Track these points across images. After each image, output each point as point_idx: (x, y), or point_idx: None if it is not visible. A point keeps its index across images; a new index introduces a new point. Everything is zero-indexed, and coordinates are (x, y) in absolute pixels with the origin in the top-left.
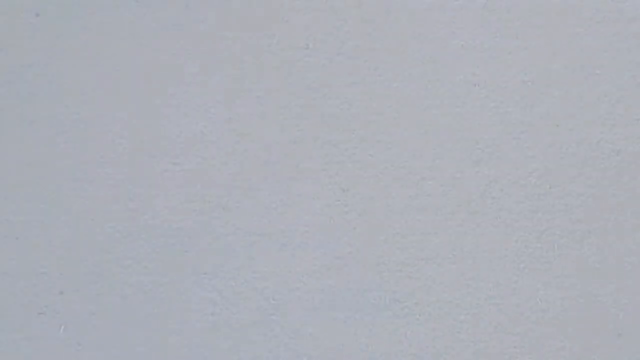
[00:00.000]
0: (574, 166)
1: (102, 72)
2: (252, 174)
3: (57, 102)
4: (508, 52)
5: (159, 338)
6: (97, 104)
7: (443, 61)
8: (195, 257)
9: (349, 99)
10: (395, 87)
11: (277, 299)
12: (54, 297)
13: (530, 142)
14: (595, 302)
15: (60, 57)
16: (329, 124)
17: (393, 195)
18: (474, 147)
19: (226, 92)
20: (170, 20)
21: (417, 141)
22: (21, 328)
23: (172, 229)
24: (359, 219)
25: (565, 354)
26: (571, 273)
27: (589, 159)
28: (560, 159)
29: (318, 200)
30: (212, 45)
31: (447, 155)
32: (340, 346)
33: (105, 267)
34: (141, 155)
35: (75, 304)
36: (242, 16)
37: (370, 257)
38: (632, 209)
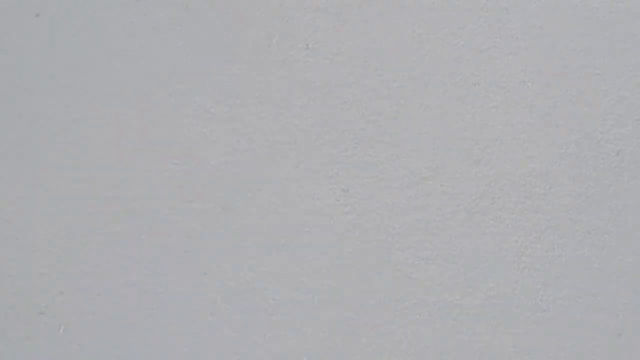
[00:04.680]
0: (574, 166)
1: (102, 72)
2: (252, 174)
3: (57, 102)
4: (508, 52)
5: (159, 338)
6: (97, 104)
7: (443, 61)
8: (195, 257)
9: (349, 99)
10: (395, 87)
11: (277, 299)
12: (54, 297)
13: (530, 142)
14: (595, 302)
15: (60, 57)
16: (329, 124)
17: (393, 195)
18: (474, 147)
19: (226, 92)
20: (170, 20)
21: (417, 141)
22: (21, 328)
23: (172, 229)
24: (359, 219)
25: (565, 354)
26: (571, 273)
27: (589, 159)
28: (560, 159)
29: (318, 200)
30: (212, 45)
31: (447, 155)
32: (340, 346)
33: (105, 267)
34: (141, 155)
35: (75, 304)
36: (242, 16)
37: (370, 257)
38: (632, 209)
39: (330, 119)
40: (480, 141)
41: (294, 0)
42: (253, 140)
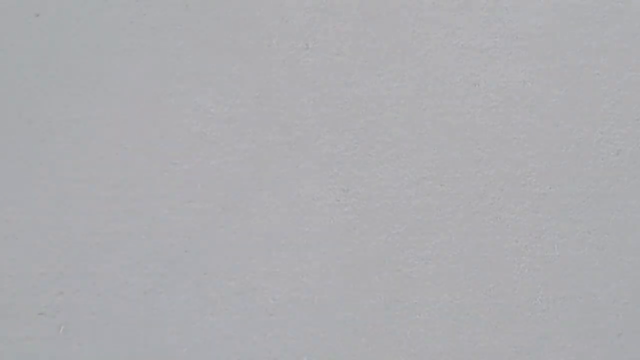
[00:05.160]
0: (574, 166)
1: (102, 72)
2: (252, 174)
3: (57, 102)
4: (508, 52)
5: (159, 338)
6: (98, 104)
7: (443, 61)
8: (195, 257)
9: (349, 99)
10: (395, 87)
11: (277, 299)
12: (54, 297)
13: (530, 142)
14: (595, 302)
15: (60, 57)
16: (329, 124)
17: (393, 195)
18: (474, 147)
19: (226, 92)
20: (170, 20)
21: (417, 141)
22: (21, 328)
23: (172, 229)
24: (359, 219)
25: (565, 354)
26: (571, 273)
27: (589, 159)
28: (560, 159)
29: (318, 200)
30: (212, 45)
31: (447, 155)
32: (340, 346)
33: (105, 267)
34: (141, 155)
35: (75, 304)
36: (242, 16)
37: (370, 257)
38: (632, 209)
39: (330, 119)
40: (480, 141)
41: (294, 0)
42: (253, 140)
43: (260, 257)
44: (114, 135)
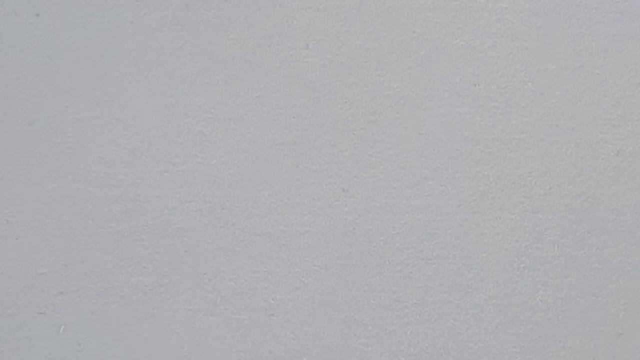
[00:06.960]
0: (574, 166)
1: (102, 72)
2: (252, 174)
3: (57, 102)
4: (508, 52)
5: (159, 338)
6: (97, 104)
7: (443, 61)
8: (195, 257)
9: (349, 99)
10: (395, 87)
11: (277, 299)
12: (54, 297)
13: (530, 142)
14: (595, 302)
15: (60, 57)
16: (329, 124)
17: (393, 195)
18: (474, 147)
19: (226, 92)
20: (170, 20)
21: (417, 141)
22: (21, 328)
23: (172, 229)
24: (359, 219)
25: (565, 354)
26: (571, 273)
27: (589, 159)
28: (560, 159)
29: (318, 200)
30: (212, 45)
31: (447, 155)
32: (340, 346)
33: (105, 267)
34: (141, 155)
35: (75, 304)
36: (242, 16)
37: (370, 257)
38: (632, 209)
39: (330, 119)
40: (480, 141)
41: (293, 0)
42: (253, 140)
43: (260, 257)
44: (114, 135)
